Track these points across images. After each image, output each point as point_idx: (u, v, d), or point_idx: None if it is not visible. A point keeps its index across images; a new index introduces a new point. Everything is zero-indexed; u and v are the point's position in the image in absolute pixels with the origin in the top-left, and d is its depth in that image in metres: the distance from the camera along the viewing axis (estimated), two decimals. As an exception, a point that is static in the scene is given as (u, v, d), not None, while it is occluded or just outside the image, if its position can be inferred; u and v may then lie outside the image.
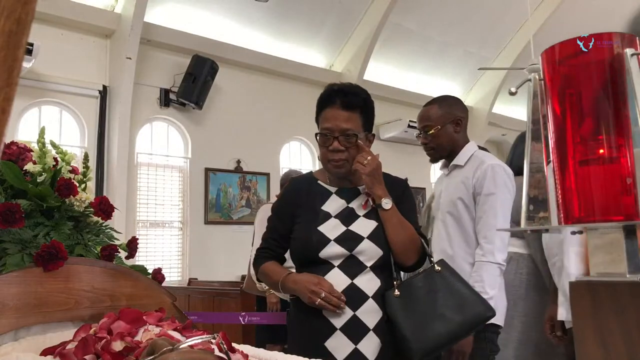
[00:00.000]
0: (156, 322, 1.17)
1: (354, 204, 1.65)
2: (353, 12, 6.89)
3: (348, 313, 1.53)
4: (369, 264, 1.57)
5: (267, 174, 6.55)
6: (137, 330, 1.10)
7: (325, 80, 7.20)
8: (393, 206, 1.60)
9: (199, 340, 0.90)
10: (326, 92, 1.67)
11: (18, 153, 1.48)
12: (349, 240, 1.58)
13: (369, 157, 1.59)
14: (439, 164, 2.20)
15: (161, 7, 5.67)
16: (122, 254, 1.54)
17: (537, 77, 0.75)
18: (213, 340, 0.92)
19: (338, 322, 1.53)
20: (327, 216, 1.62)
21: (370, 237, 1.58)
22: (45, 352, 1.13)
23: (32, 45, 4.54)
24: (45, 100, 5.13)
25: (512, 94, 1.23)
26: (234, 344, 1.01)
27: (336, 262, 1.57)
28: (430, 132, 2.04)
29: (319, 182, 1.71)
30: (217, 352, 0.91)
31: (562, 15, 7.97)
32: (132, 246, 1.55)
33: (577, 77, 0.72)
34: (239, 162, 6.34)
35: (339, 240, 1.57)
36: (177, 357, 0.80)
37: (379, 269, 1.58)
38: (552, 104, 0.74)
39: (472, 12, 7.54)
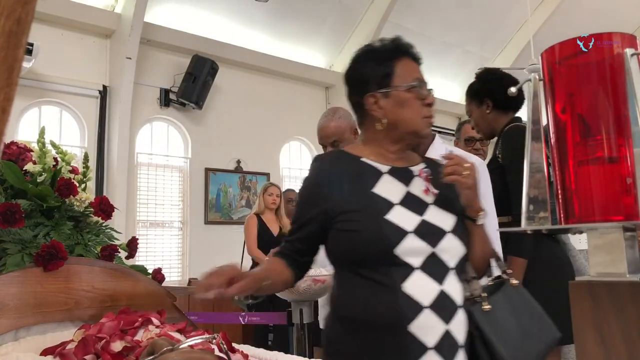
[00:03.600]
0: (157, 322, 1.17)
1: (414, 189, 1.32)
2: (353, 12, 6.89)
3: (439, 327, 1.21)
4: (451, 265, 1.27)
5: (267, 174, 6.55)
6: (137, 330, 1.10)
7: (325, 80, 7.22)
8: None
9: (199, 340, 0.90)
10: (389, 43, 1.36)
11: (18, 153, 1.48)
12: (430, 233, 1.25)
13: (466, 165, 1.27)
14: None
15: (161, 7, 5.67)
16: (122, 254, 1.54)
17: (537, 77, 0.75)
18: (213, 340, 0.92)
19: (430, 340, 1.20)
20: (389, 203, 1.27)
21: (453, 232, 1.28)
22: (45, 352, 1.13)
23: (32, 45, 4.54)
24: (45, 100, 5.13)
25: (512, 94, 1.23)
26: (234, 344, 1.01)
27: (416, 263, 1.23)
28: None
29: (362, 159, 1.35)
30: (217, 352, 0.91)
31: (562, 15, 7.97)
32: (132, 246, 1.55)
33: (577, 77, 0.72)
34: (239, 162, 6.34)
35: (419, 232, 1.24)
36: (177, 357, 0.80)
37: (458, 271, 1.29)
38: (552, 104, 0.74)
39: (472, 12, 7.54)
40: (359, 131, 1.41)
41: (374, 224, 1.24)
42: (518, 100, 2.27)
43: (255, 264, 4.33)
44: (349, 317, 1.26)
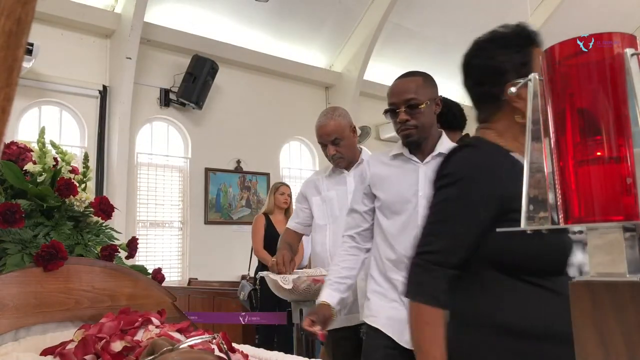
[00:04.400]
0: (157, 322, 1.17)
1: None
2: (353, 12, 6.89)
3: None
4: None
5: (267, 174, 6.55)
6: (137, 330, 1.10)
7: (325, 80, 7.22)
8: None
9: (199, 340, 0.90)
10: (518, 29, 1.23)
11: (18, 153, 1.48)
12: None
13: None
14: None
15: (161, 7, 5.67)
16: (122, 254, 1.54)
17: (537, 77, 0.75)
18: (213, 340, 0.92)
19: None
20: None
21: None
22: (45, 352, 1.13)
23: (32, 45, 4.54)
24: (45, 100, 5.13)
25: (512, 94, 1.23)
26: (234, 344, 1.01)
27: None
28: (421, 106, 1.77)
29: (511, 153, 1.17)
30: (217, 352, 0.91)
31: (562, 15, 7.97)
32: (132, 246, 1.55)
33: (577, 77, 0.71)
34: (239, 162, 6.34)
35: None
36: (177, 357, 0.80)
37: None
38: (552, 104, 0.74)
39: (472, 12, 7.54)
40: (492, 124, 1.22)
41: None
42: (462, 120, 2.42)
43: (260, 264, 4.25)
44: (505, 325, 1.07)
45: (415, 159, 1.85)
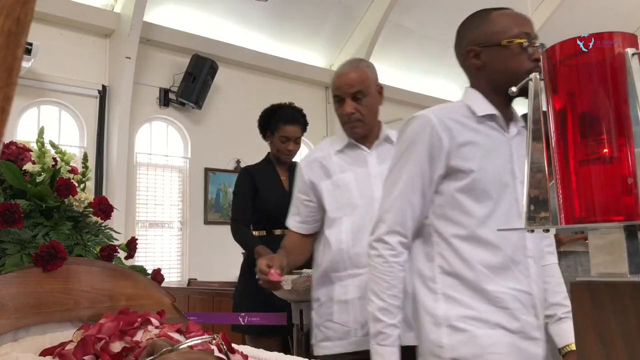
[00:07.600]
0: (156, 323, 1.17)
1: None
2: (353, 12, 6.89)
3: None
4: None
5: (267, 174, 6.54)
6: (137, 330, 1.10)
7: (325, 80, 7.21)
8: None
9: (199, 341, 0.90)
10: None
11: (17, 153, 1.48)
12: None
13: None
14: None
15: (161, 7, 5.67)
16: (122, 254, 1.54)
17: (537, 76, 0.75)
18: (213, 341, 0.92)
19: None
20: None
21: None
22: (44, 353, 1.13)
23: (31, 45, 4.54)
24: (44, 100, 5.13)
25: (512, 93, 1.23)
26: (233, 345, 1.01)
27: None
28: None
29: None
30: (216, 353, 0.91)
31: (562, 15, 7.97)
32: (131, 246, 1.55)
33: (577, 77, 0.71)
34: (238, 162, 6.34)
35: None
36: (177, 358, 0.80)
37: None
38: (552, 104, 0.74)
39: (472, 12, 7.54)
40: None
41: None
42: None
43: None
44: None
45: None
